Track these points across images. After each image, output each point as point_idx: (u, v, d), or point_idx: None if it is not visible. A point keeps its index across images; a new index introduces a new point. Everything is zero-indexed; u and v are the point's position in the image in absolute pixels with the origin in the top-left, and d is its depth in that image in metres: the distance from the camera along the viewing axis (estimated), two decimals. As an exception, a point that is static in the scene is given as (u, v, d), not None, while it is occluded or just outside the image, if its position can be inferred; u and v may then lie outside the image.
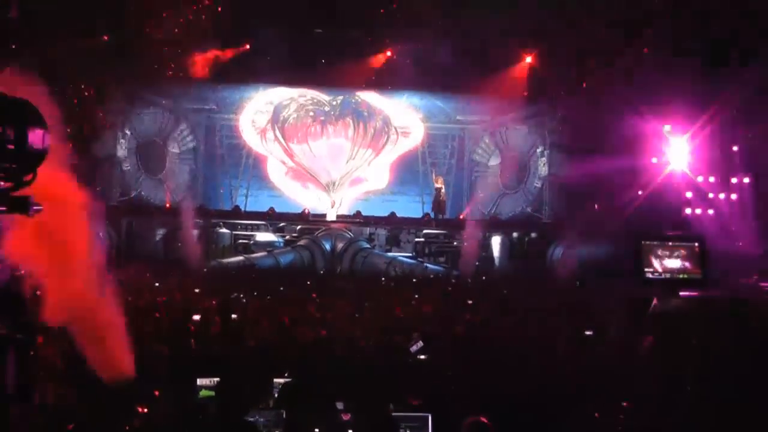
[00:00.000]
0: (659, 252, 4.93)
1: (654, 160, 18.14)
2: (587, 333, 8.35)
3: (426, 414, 5.30)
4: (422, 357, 6.91)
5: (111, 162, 21.85)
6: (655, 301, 4.88)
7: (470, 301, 12.03)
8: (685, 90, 16.03)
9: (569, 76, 19.63)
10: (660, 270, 4.88)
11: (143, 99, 23.03)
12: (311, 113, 25.13)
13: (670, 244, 4.91)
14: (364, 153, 24.91)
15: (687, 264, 4.92)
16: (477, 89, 21.80)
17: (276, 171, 25.56)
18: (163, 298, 11.26)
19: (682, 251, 4.95)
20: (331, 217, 23.52)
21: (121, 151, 22.34)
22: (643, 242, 4.88)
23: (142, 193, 23.02)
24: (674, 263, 4.91)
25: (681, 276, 4.92)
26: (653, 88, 16.42)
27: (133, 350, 3.74)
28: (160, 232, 21.14)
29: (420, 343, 7.19)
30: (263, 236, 22.22)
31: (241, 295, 12.13)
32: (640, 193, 17.77)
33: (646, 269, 4.83)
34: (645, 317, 5.90)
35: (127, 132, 22.59)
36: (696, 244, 4.98)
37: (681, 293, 4.97)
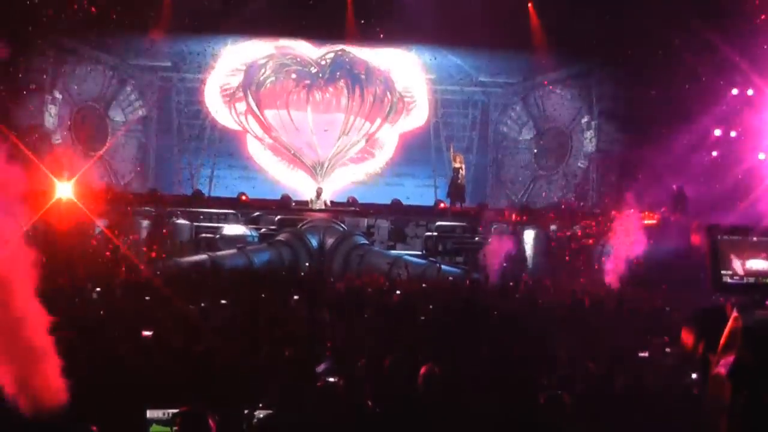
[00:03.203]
0: (740, 250, 4.86)
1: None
2: (642, 355, 8.31)
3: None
4: (331, 379, 7.01)
5: (37, 133, 21.79)
6: (735, 314, 4.80)
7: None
8: None
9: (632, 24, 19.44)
10: (741, 273, 4.82)
11: (78, 53, 22.96)
12: (294, 75, 24.98)
13: (755, 239, 4.83)
14: (361, 126, 24.80)
15: (776, 265, 4.84)
16: (505, 42, 21.65)
17: (250, 146, 25.54)
18: (106, 308, 11.25)
19: (771, 249, 4.88)
20: (318, 206, 23.50)
21: (50, 120, 22.29)
22: (719, 237, 4.81)
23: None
24: (760, 264, 4.84)
25: (768, 281, 4.85)
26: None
27: (65, 374, 3.70)
28: (100, 224, 21.11)
29: (328, 363, 7.30)
30: (232, 229, 22.20)
31: (203, 305, 12.12)
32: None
33: (723, 272, 4.76)
34: (722, 333, 5.83)
35: (58, 95, 22.53)
36: (788, 240, 4.91)
37: (769, 303, 4.90)
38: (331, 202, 23.91)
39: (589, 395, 6.73)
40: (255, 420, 5.68)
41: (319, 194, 23.79)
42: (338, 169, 25.27)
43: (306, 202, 23.73)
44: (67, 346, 6.59)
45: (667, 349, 8.29)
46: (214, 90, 24.82)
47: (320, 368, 7.32)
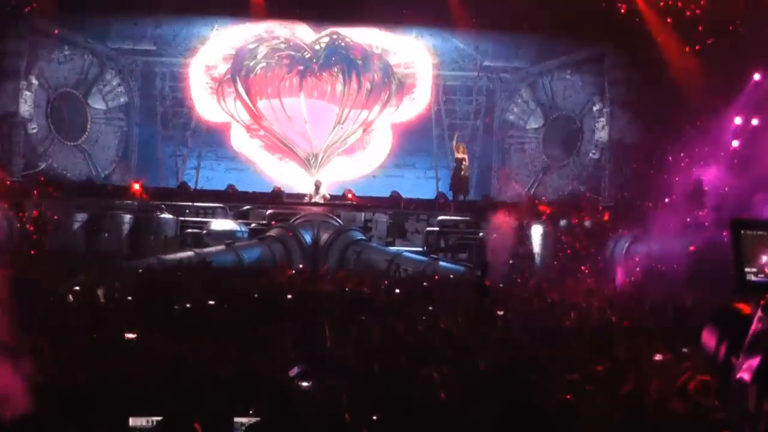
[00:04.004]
0: (766, 246, 4.80)
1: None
2: (657, 358, 8.27)
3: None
4: (305, 384, 7.01)
5: (11, 122, 21.73)
6: (759, 314, 4.74)
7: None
8: None
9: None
10: (767, 270, 4.77)
11: (55, 36, 22.85)
12: (285, 60, 24.89)
13: (782, 234, 4.78)
14: (357, 115, 24.69)
15: (805, 263, 4.79)
16: (512, 24, 21.57)
17: (240, 136, 25.44)
18: (87, 309, 11.22)
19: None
20: (317, 199, 23.37)
21: (26, 108, 22.18)
22: (742, 231, 4.75)
23: (55, 164, 22.92)
24: (788, 261, 4.79)
25: (797, 279, 4.79)
26: None
27: (32, 378, 3.66)
28: (79, 218, 21.05)
29: (302, 367, 7.28)
30: (220, 224, 22.14)
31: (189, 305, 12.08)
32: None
33: (747, 269, 4.70)
34: (744, 336, 5.75)
35: (34, 82, 22.43)
36: (818, 234, 4.85)
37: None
38: (330, 195, 23.77)
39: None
40: (243, 428, 5.65)
41: (317, 187, 23.63)
42: (334, 163, 25.16)
43: (299, 196, 23.60)
44: (44, 351, 6.56)
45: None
46: (201, 76, 24.71)
47: (293, 372, 7.30)
